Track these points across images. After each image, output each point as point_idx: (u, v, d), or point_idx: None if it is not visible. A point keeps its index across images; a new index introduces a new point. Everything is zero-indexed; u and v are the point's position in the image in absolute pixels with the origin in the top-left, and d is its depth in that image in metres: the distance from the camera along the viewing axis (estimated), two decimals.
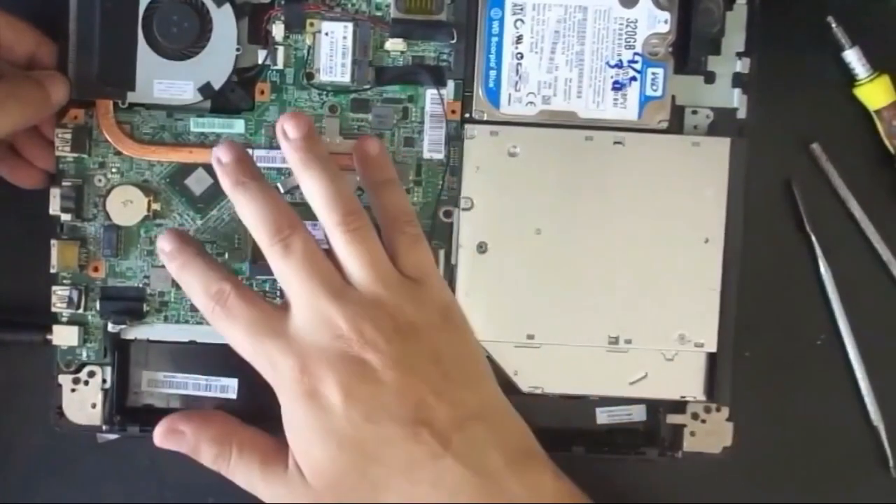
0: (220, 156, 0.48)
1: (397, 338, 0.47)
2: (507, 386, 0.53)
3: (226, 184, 0.48)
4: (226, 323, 0.48)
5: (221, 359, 0.54)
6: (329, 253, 0.48)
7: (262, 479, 0.48)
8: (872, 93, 0.56)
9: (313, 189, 0.48)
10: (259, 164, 0.51)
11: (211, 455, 0.49)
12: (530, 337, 0.53)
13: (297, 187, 0.49)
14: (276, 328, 0.47)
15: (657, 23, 0.52)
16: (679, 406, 0.54)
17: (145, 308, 0.53)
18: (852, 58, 0.56)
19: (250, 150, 0.52)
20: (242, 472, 0.49)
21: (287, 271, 0.47)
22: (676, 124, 0.54)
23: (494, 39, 0.53)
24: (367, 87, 0.54)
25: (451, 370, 0.48)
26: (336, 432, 0.46)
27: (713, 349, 0.53)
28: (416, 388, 0.47)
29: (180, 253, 0.49)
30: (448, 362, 0.48)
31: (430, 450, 0.46)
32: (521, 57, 0.53)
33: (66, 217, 0.53)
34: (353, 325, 0.46)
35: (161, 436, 0.50)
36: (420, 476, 0.47)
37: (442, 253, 0.54)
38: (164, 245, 0.49)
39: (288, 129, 0.48)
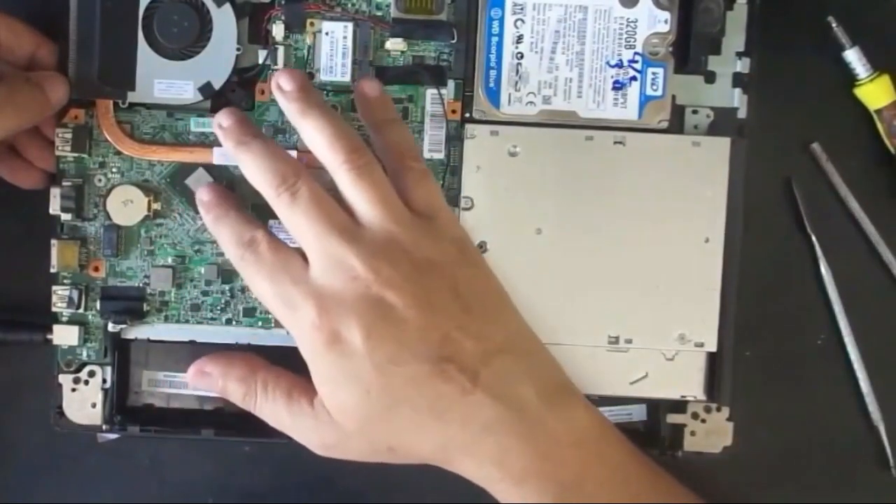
0: (220, 121, 0.49)
1: (415, 274, 0.46)
2: None
3: (228, 146, 0.48)
4: (253, 268, 0.47)
5: None
6: (338, 198, 0.47)
7: (289, 414, 0.48)
8: (872, 93, 0.56)
9: (314, 134, 0.47)
10: None
11: (239, 394, 0.49)
12: None
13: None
14: (298, 275, 0.47)
15: (657, 22, 0.52)
16: (679, 406, 0.54)
17: (145, 308, 0.53)
18: (852, 58, 0.56)
19: None
20: (269, 409, 0.49)
21: (296, 218, 0.47)
22: (676, 124, 0.54)
23: (495, 39, 0.53)
24: None
25: (473, 304, 0.47)
26: (361, 376, 0.46)
27: (713, 349, 0.53)
28: (439, 325, 0.46)
29: (217, 206, 0.49)
30: (469, 296, 0.47)
31: (459, 386, 0.46)
32: (522, 57, 0.53)
33: (66, 217, 0.53)
34: (369, 265, 0.45)
35: (193, 378, 0.50)
36: (450, 414, 0.46)
37: None
38: (203, 195, 0.50)
39: (283, 82, 0.48)
